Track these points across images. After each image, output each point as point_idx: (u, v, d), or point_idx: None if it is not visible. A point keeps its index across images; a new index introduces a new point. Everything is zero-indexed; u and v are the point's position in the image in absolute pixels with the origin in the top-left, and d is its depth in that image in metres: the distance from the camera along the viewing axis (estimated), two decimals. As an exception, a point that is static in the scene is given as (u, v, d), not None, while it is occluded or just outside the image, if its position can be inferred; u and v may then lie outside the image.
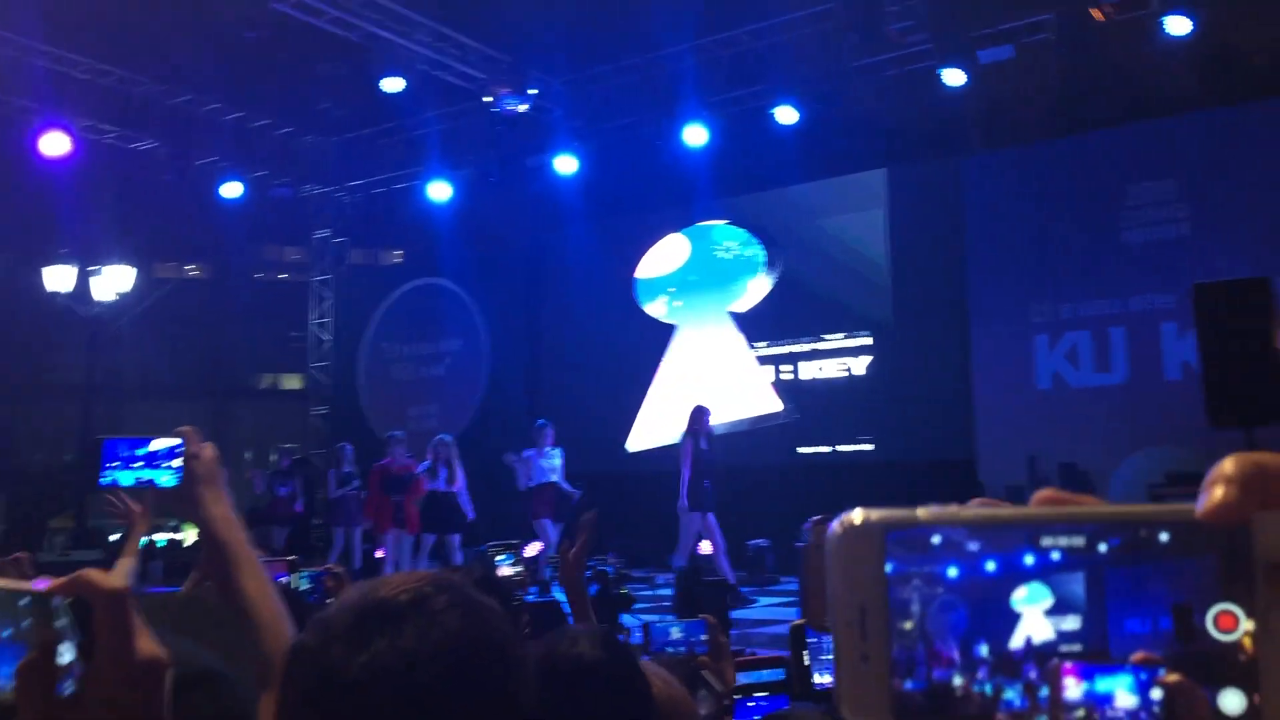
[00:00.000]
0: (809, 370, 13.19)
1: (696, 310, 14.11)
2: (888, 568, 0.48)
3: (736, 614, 8.60)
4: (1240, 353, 7.71)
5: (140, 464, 2.02)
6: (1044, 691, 0.47)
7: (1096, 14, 10.85)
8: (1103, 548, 0.47)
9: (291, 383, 21.45)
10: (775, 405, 13.32)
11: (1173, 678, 0.46)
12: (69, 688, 0.86)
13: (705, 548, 10.25)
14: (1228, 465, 0.47)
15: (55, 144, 12.85)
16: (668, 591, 9.67)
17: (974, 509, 0.48)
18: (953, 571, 0.48)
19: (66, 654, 0.86)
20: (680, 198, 14.01)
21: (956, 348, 12.09)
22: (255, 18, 10.99)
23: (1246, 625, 0.46)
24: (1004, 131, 12.23)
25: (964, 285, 12.11)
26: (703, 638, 3.29)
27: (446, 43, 12.83)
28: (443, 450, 11.34)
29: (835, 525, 0.49)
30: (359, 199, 16.59)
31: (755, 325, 13.59)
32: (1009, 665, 0.47)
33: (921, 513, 0.48)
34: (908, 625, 0.48)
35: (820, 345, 13.11)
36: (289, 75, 13.35)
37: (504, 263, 15.58)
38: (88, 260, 14.71)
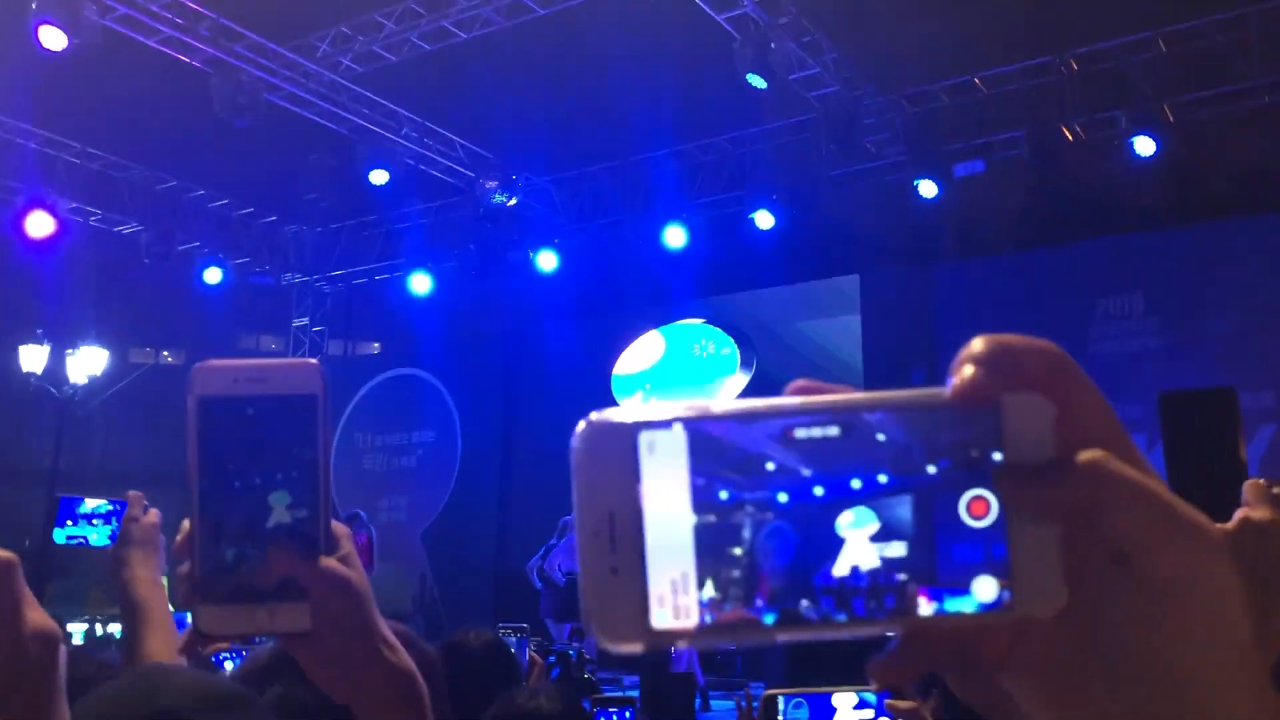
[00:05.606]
0: (782, 472, 13.18)
1: (671, 408, 14.11)
2: (693, 481, 0.45)
3: (701, 717, 8.45)
4: (1206, 462, 7.78)
5: (78, 522, 2.05)
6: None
7: (1069, 134, 11.20)
8: (932, 469, 0.45)
9: (262, 471, 21.24)
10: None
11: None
12: None
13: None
14: (975, 345, 0.47)
15: (40, 225, 12.91)
16: (633, 694, 9.50)
17: (727, 401, 0.46)
18: (783, 497, 0.45)
19: None
20: (658, 296, 14.16)
21: (928, 453, 12.11)
22: (247, 107, 11.17)
23: (997, 510, 0.45)
24: (975, 241, 12.48)
25: (936, 391, 12.18)
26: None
27: (433, 138, 13.09)
28: None
29: (581, 425, 0.45)
30: (339, 289, 16.69)
31: (729, 425, 13.60)
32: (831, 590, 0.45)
33: (672, 407, 0.45)
34: (735, 552, 0.45)
35: (793, 447, 13.12)
36: (275, 164, 13.53)
37: (482, 356, 15.62)
38: (64, 342, 14.68)
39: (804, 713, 1.89)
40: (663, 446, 0.45)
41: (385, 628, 0.96)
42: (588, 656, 8.10)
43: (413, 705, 0.98)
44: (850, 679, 2.01)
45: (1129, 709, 0.45)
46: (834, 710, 1.90)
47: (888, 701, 1.81)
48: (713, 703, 9.92)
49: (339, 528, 0.93)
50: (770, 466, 0.45)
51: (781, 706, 1.89)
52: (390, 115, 12.59)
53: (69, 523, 2.11)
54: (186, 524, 0.88)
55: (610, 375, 14.61)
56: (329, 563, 0.89)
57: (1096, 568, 0.45)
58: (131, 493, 2.10)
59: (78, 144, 13.38)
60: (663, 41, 10.50)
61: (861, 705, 1.90)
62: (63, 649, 0.93)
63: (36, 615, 0.91)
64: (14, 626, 0.88)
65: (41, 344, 14.30)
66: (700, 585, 0.44)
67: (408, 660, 0.99)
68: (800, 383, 0.48)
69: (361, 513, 12.51)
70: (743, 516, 0.45)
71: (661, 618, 0.44)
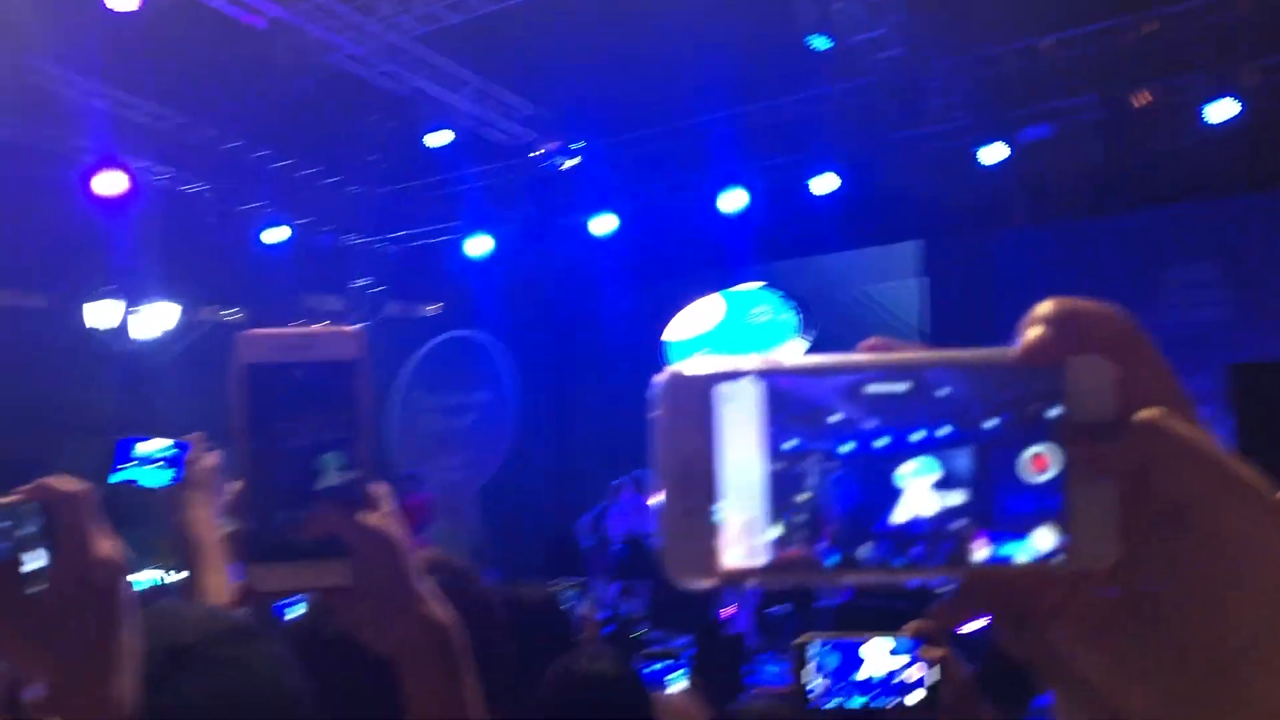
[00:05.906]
0: (838, 439, 13.12)
1: (728, 374, 14.08)
2: (774, 438, 0.47)
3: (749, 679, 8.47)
4: (1275, 434, 7.56)
5: (133, 464, 2.08)
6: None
7: (1141, 98, 10.89)
8: (990, 423, 0.47)
9: (322, 429, 21.54)
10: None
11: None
12: (38, 588, 0.89)
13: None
14: (1044, 306, 0.48)
15: (113, 183, 13.04)
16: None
17: (800, 356, 0.48)
18: (850, 447, 0.47)
19: (36, 560, 0.90)
20: (716, 260, 14.09)
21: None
22: (309, 68, 11.24)
23: (1058, 466, 0.47)
24: (1042, 207, 12.23)
25: (999, 358, 12.03)
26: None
27: (493, 100, 13.08)
28: None
29: (662, 375, 0.48)
30: (399, 250, 16.81)
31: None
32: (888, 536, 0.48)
33: (747, 361, 0.48)
34: (802, 498, 0.47)
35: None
36: (337, 126, 13.61)
37: (539, 318, 15.69)
38: (130, 299, 14.96)
39: (835, 658, 1.91)
40: (739, 397, 0.48)
41: (423, 583, 0.98)
42: (637, 615, 8.16)
43: (449, 659, 0.99)
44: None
45: (1178, 663, 0.46)
46: (862, 661, 1.92)
47: (920, 650, 1.84)
48: (763, 667, 9.94)
49: (379, 487, 0.97)
50: (839, 418, 0.47)
51: (814, 650, 1.91)
52: (450, 77, 12.59)
53: (124, 466, 2.15)
54: (237, 485, 0.92)
55: (666, 339, 14.60)
56: (372, 519, 0.91)
57: (1153, 524, 0.46)
58: (195, 434, 2.14)
59: (145, 103, 13.55)
60: (724, 1, 10.35)
61: (896, 651, 1.93)
62: (125, 580, 0.96)
63: (104, 544, 0.94)
64: (81, 554, 0.92)
65: (113, 299, 14.59)
66: (769, 528, 0.47)
67: (442, 615, 1.00)
68: (873, 340, 0.50)
69: (420, 472, 12.67)
70: (811, 464, 0.48)
71: (732, 557, 0.47)
